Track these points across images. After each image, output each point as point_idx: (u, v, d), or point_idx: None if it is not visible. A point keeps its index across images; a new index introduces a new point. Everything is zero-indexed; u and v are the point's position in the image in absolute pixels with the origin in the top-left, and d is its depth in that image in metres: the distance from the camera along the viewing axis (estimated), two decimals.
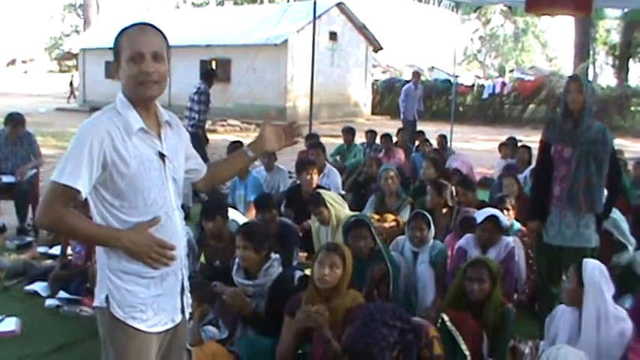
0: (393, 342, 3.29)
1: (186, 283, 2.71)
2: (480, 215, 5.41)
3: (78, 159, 2.35)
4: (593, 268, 3.78)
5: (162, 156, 2.53)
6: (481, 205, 6.50)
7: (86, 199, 2.49)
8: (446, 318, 3.92)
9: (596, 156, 4.59)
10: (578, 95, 4.57)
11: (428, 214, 5.54)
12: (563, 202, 4.70)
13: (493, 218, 5.31)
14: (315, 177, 7.37)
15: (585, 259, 3.89)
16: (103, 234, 2.44)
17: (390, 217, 6.75)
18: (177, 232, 2.60)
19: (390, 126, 15.33)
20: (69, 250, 6.12)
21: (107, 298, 2.49)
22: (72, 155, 2.37)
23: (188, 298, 2.73)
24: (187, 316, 2.75)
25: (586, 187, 4.61)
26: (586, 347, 3.60)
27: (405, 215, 6.72)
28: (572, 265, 3.89)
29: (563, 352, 3.45)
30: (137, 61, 2.40)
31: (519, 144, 10.33)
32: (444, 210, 6.49)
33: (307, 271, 5.31)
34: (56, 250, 6.72)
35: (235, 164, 3.04)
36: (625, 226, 5.82)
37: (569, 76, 5.11)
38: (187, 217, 6.35)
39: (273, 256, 4.58)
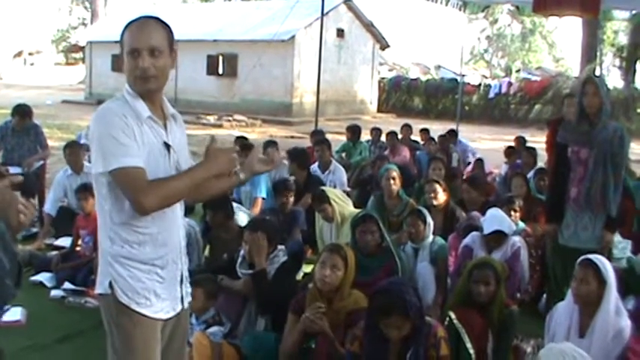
0: (415, 310, 3.27)
1: (186, 273, 2.75)
2: (488, 225, 5.25)
3: (121, 141, 2.39)
4: (608, 264, 3.73)
5: (167, 146, 2.58)
6: (485, 204, 6.46)
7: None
8: (453, 316, 3.92)
9: (613, 156, 4.56)
10: (594, 98, 4.53)
11: (425, 211, 5.54)
12: (581, 204, 4.66)
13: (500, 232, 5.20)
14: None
15: (592, 257, 3.78)
16: (200, 172, 2.55)
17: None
18: (177, 222, 2.66)
19: (396, 124, 15.27)
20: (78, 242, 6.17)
21: (110, 284, 2.53)
22: (111, 142, 2.39)
23: (187, 288, 2.78)
24: (186, 305, 2.78)
25: (602, 188, 4.59)
26: (599, 345, 3.58)
27: None
28: (581, 265, 3.75)
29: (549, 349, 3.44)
30: (134, 56, 2.46)
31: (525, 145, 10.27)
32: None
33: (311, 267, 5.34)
34: (62, 241, 6.76)
35: (224, 183, 2.85)
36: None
37: (585, 79, 5.03)
38: (192, 211, 6.37)
39: (279, 247, 4.65)
